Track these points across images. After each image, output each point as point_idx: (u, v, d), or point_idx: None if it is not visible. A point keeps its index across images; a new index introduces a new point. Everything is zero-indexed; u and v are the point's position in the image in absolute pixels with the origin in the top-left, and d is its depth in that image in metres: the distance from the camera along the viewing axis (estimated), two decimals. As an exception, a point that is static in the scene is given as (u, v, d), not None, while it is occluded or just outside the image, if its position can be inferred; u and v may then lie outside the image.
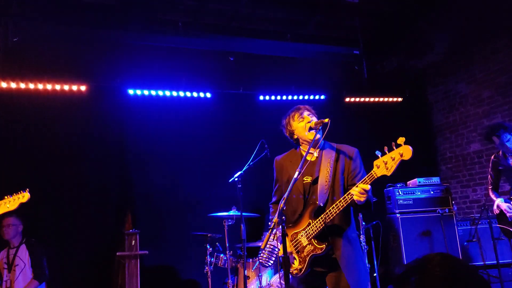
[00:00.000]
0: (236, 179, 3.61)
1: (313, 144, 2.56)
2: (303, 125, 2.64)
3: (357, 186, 2.28)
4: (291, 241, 2.57)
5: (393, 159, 2.16)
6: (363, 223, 4.82)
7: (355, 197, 2.29)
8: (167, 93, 5.46)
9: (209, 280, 4.22)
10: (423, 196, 5.15)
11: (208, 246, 4.31)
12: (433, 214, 5.04)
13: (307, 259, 2.47)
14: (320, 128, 2.58)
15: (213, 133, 5.59)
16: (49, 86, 4.89)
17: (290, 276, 2.57)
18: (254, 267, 4.30)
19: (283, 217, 2.24)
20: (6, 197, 2.67)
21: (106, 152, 5.21)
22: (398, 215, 5.03)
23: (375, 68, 6.24)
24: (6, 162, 4.51)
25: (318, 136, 2.58)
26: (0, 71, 4.56)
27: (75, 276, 4.70)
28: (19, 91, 4.77)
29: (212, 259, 4.28)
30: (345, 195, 2.36)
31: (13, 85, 4.70)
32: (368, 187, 2.25)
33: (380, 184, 5.17)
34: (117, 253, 4.53)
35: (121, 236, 4.69)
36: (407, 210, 5.07)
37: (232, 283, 4.23)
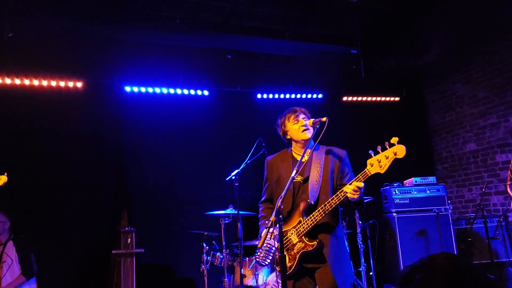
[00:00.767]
0: (233, 177, 3.60)
1: (307, 145, 2.65)
2: (297, 127, 2.73)
3: (351, 184, 2.35)
4: None
5: (387, 158, 2.25)
6: (360, 222, 4.84)
7: (349, 194, 2.35)
8: (164, 90, 5.44)
9: (205, 278, 4.21)
10: (419, 195, 5.17)
11: (204, 245, 4.30)
12: (429, 214, 5.06)
13: (297, 256, 2.52)
14: (317, 126, 2.62)
15: (210, 131, 5.58)
16: (44, 82, 4.86)
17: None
18: (251, 266, 4.29)
19: (281, 216, 2.25)
20: None
21: (102, 150, 5.18)
22: (394, 214, 5.04)
23: (373, 67, 6.24)
24: (1, 159, 4.47)
25: (310, 135, 2.68)
26: (-5, 67, 4.52)
27: (70, 273, 4.68)
28: (14, 87, 4.73)
29: (209, 258, 4.27)
30: (338, 192, 2.42)
31: (8, 80, 4.66)
32: (362, 184, 2.32)
33: (376, 183, 5.19)
34: (113, 251, 4.51)
35: (117, 234, 4.67)
36: (403, 209, 5.08)
37: (229, 282, 4.22)
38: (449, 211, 5.11)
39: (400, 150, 2.20)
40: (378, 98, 6.65)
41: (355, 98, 6.49)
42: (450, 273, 1.05)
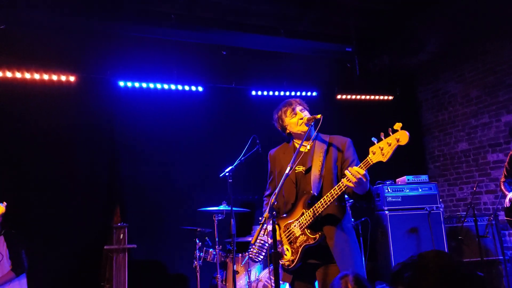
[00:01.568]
0: (227, 174, 3.60)
1: (306, 137, 2.56)
2: (295, 121, 2.64)
3: (350, 169, 2.22)
4: (284, 232, 2.55)
5: (389, 145, 2.11)
6: (352, 220, 4.86)
7: (345, 181, 2.23)
8: (158, 86, 5.41)
9: (198, 274, 4.21)
10: (411, 193, 5.21)
11: (197, 241, 4.29)
12: (421, 212, 5.11)
13: (300, 250, 2.44)
14: (312, 124, 2.59)
15: (204, 127, 5.56)
16: (37, 76, 4.80)
17: (280, 270, 2.57)
18: (243, 262, 4.30)
19: (274, 212, 2.22)
20: None
21: (95, 145, 5.15)
22: (386, 212, 5.08)
23: (367, 66, 6.27)
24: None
25: (310, 128, 2.58)
26: (-13, 59, 4.46)
27: (62, 269, 4.64)
28: (6, 80, 4.67)
29: (201, 254, 4.27)
30: (340, 182, 2.31)
31: None
32: (362, 171, 2.19)
33: (369, 181, 5.21)
34: (105, 247, 4.49)
35: (109, 230, 4.65)
36: (395, 207, 5.12)
37: (221, 278, 4.23)
38: (441, 209, 5.17)
39: (403, 136, 2.07)
40: (372, 97, 6.68)
41: (349, 96, 6.52)
42: (440, 271, 1.04)
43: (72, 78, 4.94)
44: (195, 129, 5.52)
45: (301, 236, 2.45)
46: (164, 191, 5.26)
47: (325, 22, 5.65)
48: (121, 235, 4.49)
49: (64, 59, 4.93)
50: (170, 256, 5.17)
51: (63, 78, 4.91)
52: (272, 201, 2.22)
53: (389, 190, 5.16)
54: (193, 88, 5.58)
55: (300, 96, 6.18)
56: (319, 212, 2.38)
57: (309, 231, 2.43)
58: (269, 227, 2.31)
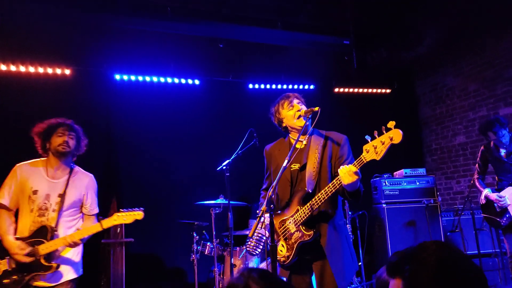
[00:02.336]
0: (224, 167, 3.58)
1: (303, 131, 2.54)
2: (292, 113, 2.62)
3: (344, 167, 2.22)
4: (279, 228, 2.55)
5: (383, 143, 2.11)
6: (350, 213, 4.87)
7: (341, 175, 2.21)
8: (155, 79, 5.37)
9: (195, 268, 4.21)
10: (409, 187, 5.22)
11: (194, 234, 4.29)
12: (418, 205, 5.11)
13: (295, 246, 2.45)
14: (310, 116, 2.56)
15: (201, 120, 5.53)
16: (32, 69, 4.75)
17: (278, 264, 2.57)
18: (241, 255, 4.30)
19: (272, 206, 2.20)
20: (120, 210, 2.92)
21: (91, 138, 5.04)
22: (384, 205, 5.08)
23: (365, 59, 6.25)
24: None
25: (307, 123, 2.56)
26: (-19, 52, 4.41)
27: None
28: (0, 73, 4.62)
29: (199, 247, 4.27)
30: (334, 180, 2.32)
31: (-6, 67, 4.56)
32: (355, 168, 2.19)
33: (367, 174, 5.21)
34: (102, 240, 4.47)
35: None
36: (393, 200, 5.13)
37: (218, 271, 4.23)
38: (438, 202, 5.17)
39: (396, 135, 2.07)
40: (370, 90, 6.67)
41: (346, 90, 6.50)
42: (441, 265, 1.01)
43: (67, 71, 4.90)
44: (192, 123, 5.49)
45: (296, 232, 2.46)
46: (161, 184, 5.25)
47: (323, 15, 5.62)
48: (118, 229, 4.48)
49: (60, 52, 4.88)
50: (168, 250, 5.16)
51: (59, 71, 4.87)
52: (269, 194, 2.21)
53: (387, 183, 5.16)
54: (190, 81, 5.55)
55: (298, 89, 6.15)
56: (314, 209, 2.39)
57: (304, 227, 2.44)
58: (267, 220, 2.30)
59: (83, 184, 3.04)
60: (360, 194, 2.41)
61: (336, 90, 6.42)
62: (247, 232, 4.35)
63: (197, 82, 5.58)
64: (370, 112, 6.23)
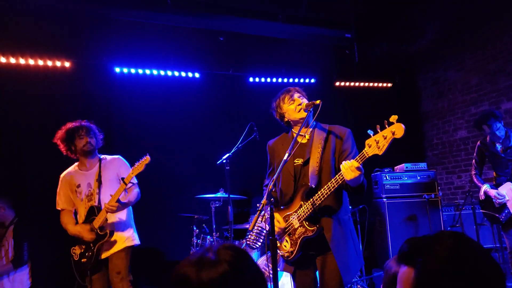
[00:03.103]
0: (224, 161, 3.56)
1: (305, 124, 2.52)
2: (293, 107, 2.60)
3: (347, 162, 2.20)
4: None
5: (385, 138, 2.08)
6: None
7: (343, 170, 2.19)
8: (155, 72, 5.34)
9: (195, 261, 4.20)
10: (409, 181, 5.20)
11: (194, 228, 4.29)
12: (419, 199, 5.09)
13: (299, 241, 2.43)
14: (311, 109, 2.53)
15: (201, 114, 5.51)
16: (31, 61, 4.72)
17: (281, 259, 2.56)
18: (241, 249, 4.30)
19: (272, 199, 2.19)
20: (136, 163, 3.35)
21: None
22: (384, 199, 5.07)
23: (366, 53, 6.21)
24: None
25: (308, 116, 2.53)
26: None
27: (58, 257, 4.62)
28: (0, 65, 4.59)
29: (199, 241, 4.27)
30: (336, 175, 2.30)
31: (-7, 59, 4.53)
32: (357, 164, 2.16)
33: (367, 168, 5.19)
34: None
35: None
36: (393, 195, 5.11)
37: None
38: (439, 197, 5.16)
39: (398, 129, 2.04)
40: (371, 84, 6.63)
41: (347, 83, 6.46)
42: (456, 262, 0.94)
43: (67, 64, 4.87)
44: (192, 116, 5.46)
45: (299, 228, 2.44)
46: (161, 178, 5.22)
47: (324, 8, 5.57)
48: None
49: (59, 45, 4.85)
50: (168, 243, 5.16)
51: (58, 63, 4.84)
52: (270, 187, 2.20)
53: (387, 178, 5.14)
54: (190, 74, 5.51)
55: (298, 83, 6.12)
56: (317, 204, 2.37)
57: (307, 223, 2.42)
58: (267, 214, 2.29)
59: (113, 165, 3.58)
60: (364, 189, 2.37)
61: (337, 83, 6.38)
62: (247, 226, 4.34)
63: (197, 75, 5.55)
64: (371, 106, 6.20)
